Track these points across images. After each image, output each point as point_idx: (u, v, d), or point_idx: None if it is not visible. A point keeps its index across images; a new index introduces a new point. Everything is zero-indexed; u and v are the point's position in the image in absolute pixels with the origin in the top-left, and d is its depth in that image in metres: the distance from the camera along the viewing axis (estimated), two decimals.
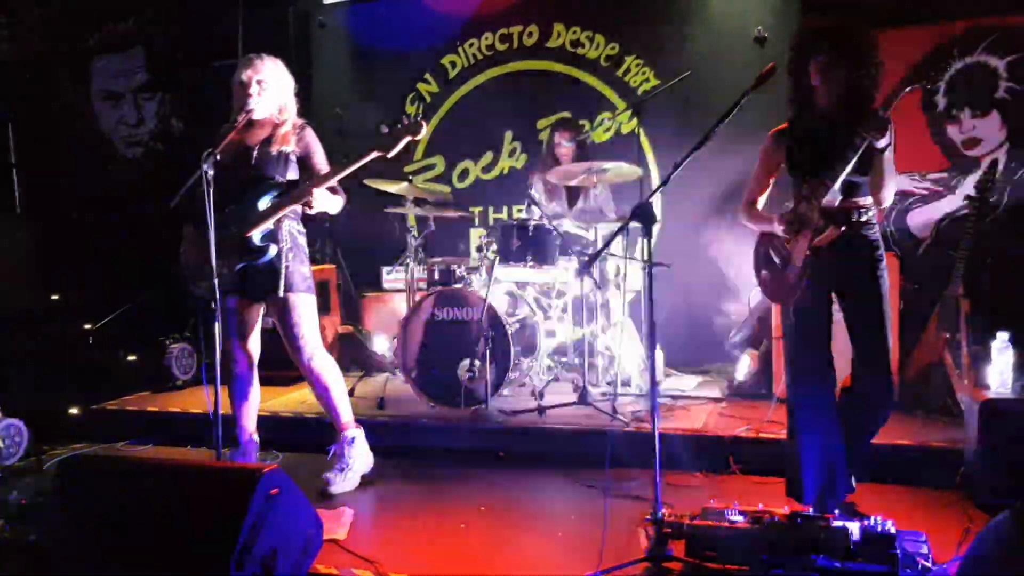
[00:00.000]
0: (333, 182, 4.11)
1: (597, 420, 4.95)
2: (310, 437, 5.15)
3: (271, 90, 4.22)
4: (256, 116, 4.20)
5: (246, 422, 4.48)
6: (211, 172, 3.72)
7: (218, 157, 3.82)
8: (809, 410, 3.65)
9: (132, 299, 6.77)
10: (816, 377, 3.62)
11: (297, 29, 7.54)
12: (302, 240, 4.36)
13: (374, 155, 3.98)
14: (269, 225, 4.15)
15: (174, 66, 7.79)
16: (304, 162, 4.27)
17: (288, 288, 4.21)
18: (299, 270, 4.27)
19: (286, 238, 4.23)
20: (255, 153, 4.22)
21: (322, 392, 4.36)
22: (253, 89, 4.16)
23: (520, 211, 6.63)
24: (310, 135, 4.31)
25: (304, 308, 4.27)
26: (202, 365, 6.33)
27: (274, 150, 4.22)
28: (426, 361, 5.34)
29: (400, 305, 6.46)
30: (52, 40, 7.71)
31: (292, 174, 4.26)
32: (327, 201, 4.13)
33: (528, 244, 5.39)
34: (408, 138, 3.95)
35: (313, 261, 6.72)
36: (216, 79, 6.82)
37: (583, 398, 5.27)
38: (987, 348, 4.10)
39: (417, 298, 5.60)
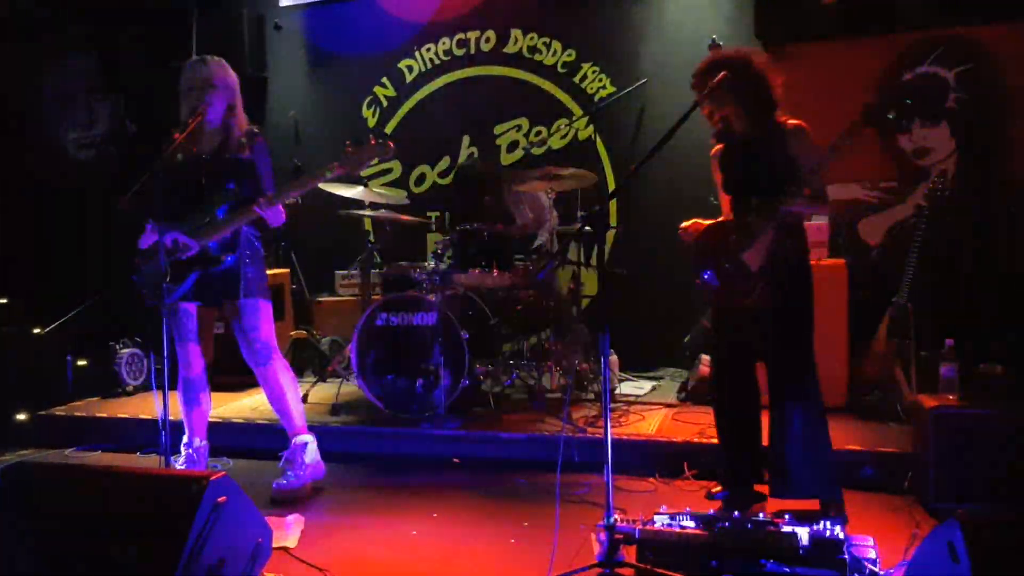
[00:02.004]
0: (292, 197, 4.09)
1: (551, 425, 4.96)
2: (261, 443, 5.11)
3: (220, 93, 4.16)
4: (206, 119, 4.14)
5: (197, 428, 4.43)
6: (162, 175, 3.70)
7: (174, 158, 3.80)
8: (724, 409, 3.94)
9: (82, 303, 6.65)
10: (732, 377, 3.88)
11: (252, 31, 7.46)
12: (258, 244, 4.34)
13: (338, 172, 3.98)
14: (225, 234, 4.11)
15: (128, 67, 7.68)
16: (253, 172, 4.20)
17: (247, 293, 4.20)
18: (257, 275, 4.26)
19: (244, 244, 4.20)
20: (209, 160, 4.17)
21: (277, 397, 4.33)
22: (202, 94, 4.10)
23: None
24: (261, 145, 4.25)
25: (263, 313, 4.26)
26: (152, 370, 6.24)
27: (228, 157, 4.18)
28: (381, 367, 5.29)
29: (355, 310, 6.41)
30: (2, 40, 7.56)
31: (246, 182, 4.19)
32: (276, 215, 4.10)
33: (484, 249, 5.38)
34: (375, 159, 4.00)
35: (266, 265, 6.72)
36: (170, 80, 6.74)
37: (538, 403, 5.27)
38: (935, 354, 4.17)
39: (372, 303, 5.55)
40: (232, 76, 4.25)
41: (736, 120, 3.74)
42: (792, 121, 3.66)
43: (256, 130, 4.29)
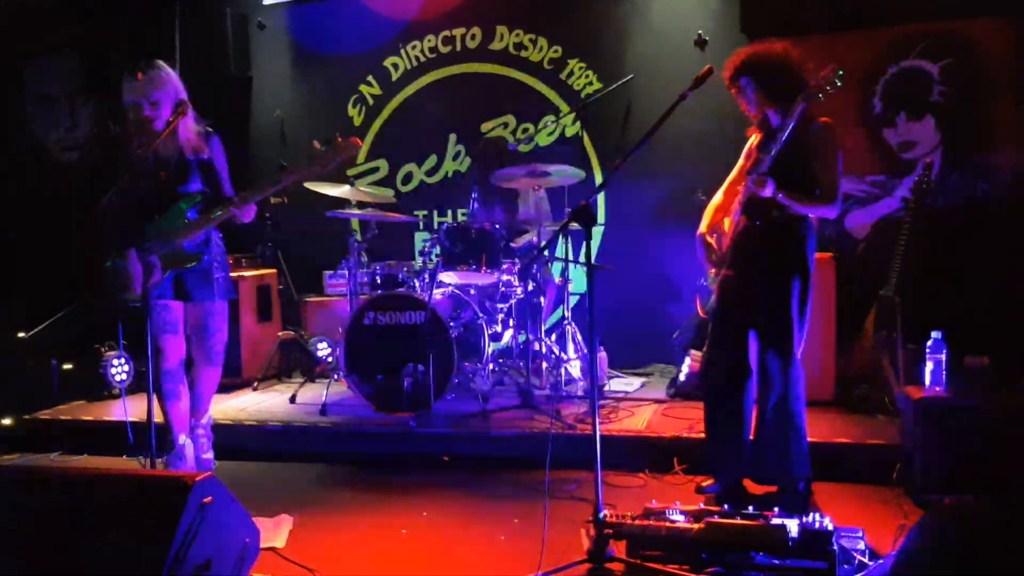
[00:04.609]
0: (266, 195, 4.25)
1: (540, 423, 4.95)
2: (248, 444, 5.12)
3: (166, 101, 4.21)
4: (159, 127, 4.18)
5: (180, 424, 4.45)
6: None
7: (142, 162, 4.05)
8: (713, 401, 3.99)
9: (67, 306, 6.61)
10: (723, 368, 3.92)
11: (235, 30, 7.42)
12: (223, 246, 4.50)
13: (304, 172, 4.21)
14: (200, 234, 4.26)
15: (110, 69, 7.62)
16: (214, 171, 4.36)
17: (219, 296, 4.39)
18: (225, 277, 4.45)
19: (213, 245, 4.37)
20: (174, 163, 4.29)
21: (210, 390, 4.56)
22: (148, 110, 4.18)
23: (464, 214, 6.61)
24: (217, 144, 4.40)
25: (225, 315, 4.48)
26: (136, 373, 6.21)
27: (190, 158, 4.30)
28: (369, 366, 5.27)
29: (342, 310, 6.39)
30: None
31: (210, 181, 4.35)
32: (249, 213, 4.26)
33: (471, 247, 5.37)
34: (342, 157, 4.16)
35: (254, 265, 6.71)
36: None
37: (527, 401, 5.27)
38: (921, 347, 4.18)
39: (359, 303, 5.54)
40: (171, 79, 4.28)
41: (772, 115, 3.83)
42: (822, 119, 3.71)
43: (210, 128, 4.39)
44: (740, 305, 3.81)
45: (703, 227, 4.00)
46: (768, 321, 3.75)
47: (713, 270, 3.98)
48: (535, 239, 5.71)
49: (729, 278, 3.86)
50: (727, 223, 3.92)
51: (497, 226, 5.46)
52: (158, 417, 4.16)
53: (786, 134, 3.60)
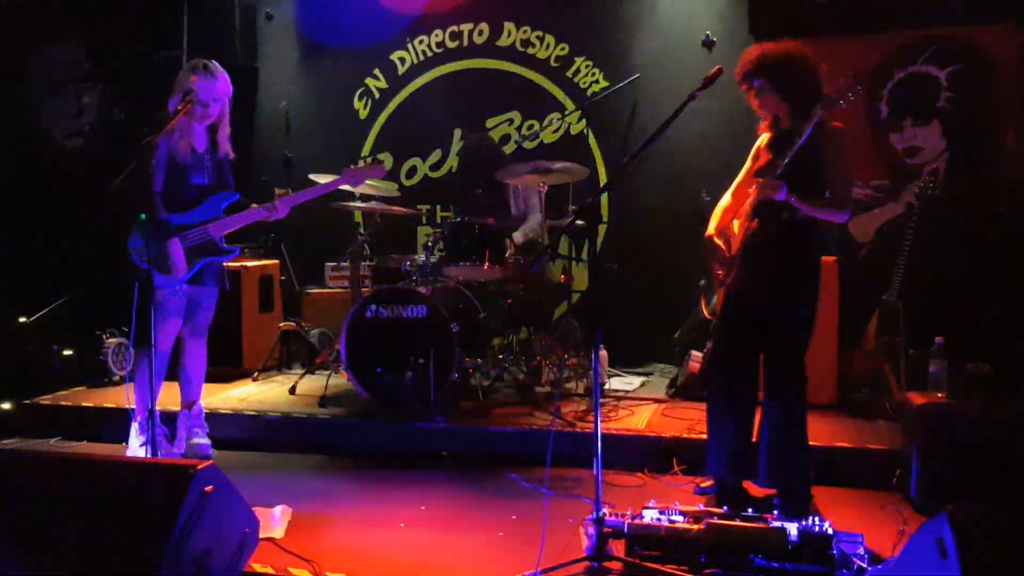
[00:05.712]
0: (305, 200, 4.63)
1: (540, 420, 4.95)
2: (247, 434, 5.12)
3: (222, 102, 4.50)
4: (206, 124, 4.52)
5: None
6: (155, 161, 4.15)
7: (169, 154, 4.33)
8: (715, 402, 3.98)
9: (68, 292, 6.61)
10: (727, 369, 3.90)
11: (243, 20, 7.41)
12: None
13: (341, 184, 4.83)
14: (233, 228, 4.56)
15: (116, 56, 7.61)
16: (229, 169, 4.69)
17: (224, 282, 4.69)
18: None
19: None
20: (207, 159, 4.55)
21: (200, 366, 4.73)
22: (213, 107, 4.45)
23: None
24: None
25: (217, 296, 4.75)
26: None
27: (221, 157, 4.60)
28: (369, 359, 5.27)
29: (344, 302, 6.38)
30: None
31: (229, 179, 4.66)
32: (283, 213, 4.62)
33: (474, 243, 5.36)
34: (373, 177, 4.96)
35: (256, 256, 6.71)
36: (159, 69, 6.69)
37: (527, 398, 5.26)
38: (924, 353, 4.17)
39: (361, 296, 5.53)
40: (231, 87, 4.56)
41: (783, 116, 3.80)
42: (833, 123, 3.70)
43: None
44: (746, 307, 3.80)
45: (712, 229, 3.97)
46: (774, 324, 3.73)
47: (721, 272, 3.96)
48: (523, 235, 5.72)
49: (737, 280, 3.84)
50: (736, 225, 3.91)
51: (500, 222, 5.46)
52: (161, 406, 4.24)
53: (803, 139, 3.58)
